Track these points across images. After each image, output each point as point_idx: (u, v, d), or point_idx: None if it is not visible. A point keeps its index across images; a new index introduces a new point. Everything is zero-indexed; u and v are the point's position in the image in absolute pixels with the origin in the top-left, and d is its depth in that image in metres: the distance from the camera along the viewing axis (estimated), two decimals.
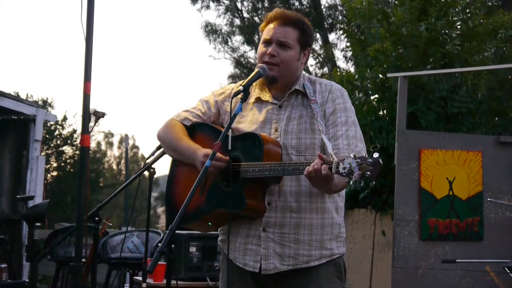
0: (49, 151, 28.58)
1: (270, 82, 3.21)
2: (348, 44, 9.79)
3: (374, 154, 2.64)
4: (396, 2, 8.84)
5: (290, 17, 3.25)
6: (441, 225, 6.05)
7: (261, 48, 3.25)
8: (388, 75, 7.37)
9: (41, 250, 4.96)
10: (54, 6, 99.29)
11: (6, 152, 10.03)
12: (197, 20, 36.49)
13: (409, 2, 7.99)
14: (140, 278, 5.75)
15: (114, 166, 49.39)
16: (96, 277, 4.84)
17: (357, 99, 8.15)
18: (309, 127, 3.13)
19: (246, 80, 3.09)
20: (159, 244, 2.66)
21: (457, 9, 8.05)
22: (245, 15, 23.42)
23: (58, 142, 29.52)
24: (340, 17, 21.36)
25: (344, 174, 2.66)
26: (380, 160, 2.64)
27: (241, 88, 3.03)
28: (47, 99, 29.87)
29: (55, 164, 29.55)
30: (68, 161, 29.83)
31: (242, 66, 23.55)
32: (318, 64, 22.01)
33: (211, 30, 23.26)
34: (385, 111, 8.06)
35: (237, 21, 23.39)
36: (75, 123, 29.77)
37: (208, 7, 23.20)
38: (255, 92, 3.29)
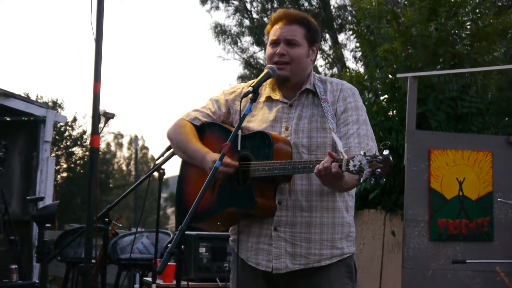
0: (59, 152, 28.68)
1: (282, 82, 3.22)
2: (358, 44, 9.76)
3: (384, 152, 2.64)
4: (406, 2, 8.81)
5: (294, 16, 3.27)
6: (451, 226, 6.03)
7: (269, 49, 3.25)
8: (398, 75, 7.35)
9: (51, 251, 4.97)
10: (64, 8, 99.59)
11: (16, 153, 10.06)
12: (206, 21, 36.65)
13: (419, 2, 7.97)
14: (150, 279, 5.75)
15: (124, 167, 49.46)
16: (106, 278, 4.86)
17: (367, 100, 8.13)
18: (320, 126, 3.13)
19: (255, 81, 3.10)
20: (169, 245, 2.65)
21: (466, 9, 8.02)
22: (255, 15, 23.41)
23: (68, 143, 29.61)
24: (349, 18, 21.31)
25: (354, 171, 2.65)
26: (390, 158, 2.63)
27: (250, 89, 3.03)
28: (57, 100, 29.99)
29: (65, 165, 29.64)
30: (78, 162, 29.91)
31: (251, 66, 23.54)
32: (328, 64, 22.00)
33: (220, 31, 23.27)
34: (394, 111, 8.04)
35: (247, 22, 23.39)
36: (85, 124, 29.87)
37: (217, 8, 23.21)
38: (265, 91, 3.30)
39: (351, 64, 21.44)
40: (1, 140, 6.51)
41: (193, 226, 3.48)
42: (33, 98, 25.68)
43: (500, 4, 10.37)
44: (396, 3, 12.92)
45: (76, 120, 29.74)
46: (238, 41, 23.49)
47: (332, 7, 22.40)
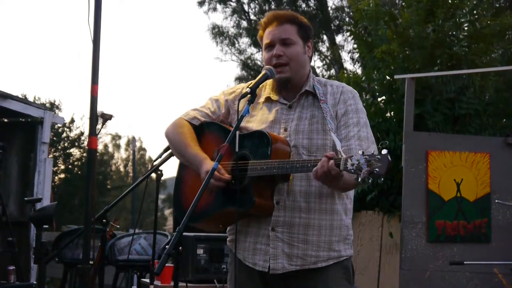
0: (57, 154, 28.68)
1: (283, 84, 3.22)
2: (355, 45, 9.78)
3: (382, 151, 2.64)
4: (403, 3, 8.83)
5: (284, 15, 3.28)
6: (449, 227, 6.04)
7: (265, 54, 3.25)
8: (395, 76, 7.36)
9: (48, 252, 4.96)
10: (62, 9, 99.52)
11: (14, 154, 10.04)
12: (204, 22, 36.59)
13: (416, 4, 7.98)
14: (147, 280, 5.75)
15: (122, 168, 49.45)
16: (103, 279, 4.85)
17: (364, 101, 8.13)
18: (321, 128, 3.13)
19: (253, 82, 3.10)
20: (166, 246, 2.65)
21: (464, 11, 8.03)
22: (252, 17, 23.41)
23: (66, 144, 29.61)
24: (347, 19, 21.33)
25: (352, 170, 2.65)
26: (389, 157, 2.63)
27: (248, 90, 3.03)
28: (55, 101, 30.05)
29: (62, 167, 29.64)
30: (75, 163, 29.92)
31: (249, 68, 23.54)
32: (325, 66, 22.02)
33: (218, 32, 23.27)
34: (392, 112, 8.05)
35: (244, 23, 23.39)
36: (82, 125, 29.89)
37: (215, 9, 23.22)
38: (265, 91, 3.30)
39: (348, 65, 21.41)
40: None
41: (192, 227, 3.48)
42: (31, 99, 25.71)
43: (497, 5, 10.36)
44: (394, 5, 12.96)
45: (74, 121, 29.78)
46: (236, 42, 23.51)
47: (329, 8, 22.41)
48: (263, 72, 3.14)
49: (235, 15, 23.24)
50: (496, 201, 5.97)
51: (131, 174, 45.04)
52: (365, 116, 3.21)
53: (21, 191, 9.97)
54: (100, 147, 39.79)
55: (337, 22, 22.17)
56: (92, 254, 4.29)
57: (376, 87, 8.30)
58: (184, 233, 2.47)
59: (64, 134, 29.47)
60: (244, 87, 3.31)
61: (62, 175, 29.84)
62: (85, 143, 28.05)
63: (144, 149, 52.08)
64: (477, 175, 6.11)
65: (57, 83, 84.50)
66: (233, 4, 23.26)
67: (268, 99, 3.28)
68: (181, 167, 3.39)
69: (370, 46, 8.38)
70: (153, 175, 5.02)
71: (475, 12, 8.16)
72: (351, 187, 3.05)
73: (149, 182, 4.96)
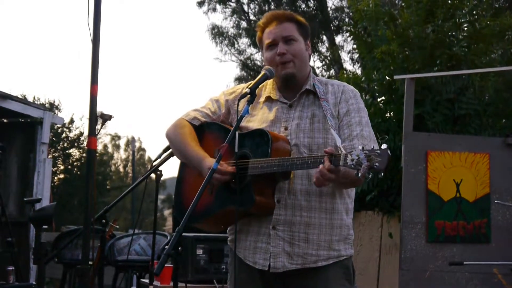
0: (56, 154, 28.62)
1: (288, 80, 3.22)
2: (355, 46, 9.79)
3: (382, 146, 2.64)
4: (403, 4, 8.83)
5: (282, 15, 3.29)
6: (449, 227, 6.03)
7: (267, 53, 3.24)
8: (395, 77, 7.36)
9: (48, 252, 4.95)
10: (62, 9, 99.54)
11: (13, 154, 10.04)
12: (203, 23, 36.59)
13: (416, 4, 7.98)
14: (147, 281, 5.75)
15: (121, 169, 49.40)
16: (103, 279, 4.85)
17: (364, 101, 8.09)
18: (322, 127, 3.13)
19: (253, 82, 3.10)
20: (166, 247, 2.64)
21: (464, 11, 8.03)
22: (252, 17, 23.37)
23: (65, 144, 29.55)
24: (346, 19, 21.29)
25: (352, 166, 2.65)
26: (389, 151, 2.63)
27: (247, 90, 3.03)
28: (54, 102, 29.93)
29: (62, 167, 29.58)
30: (75, 163, 29.86)
31: (248, 68, 23.51)
32: (325, 66, 21.98)
33: (217, 33, 23.24)
34: (392, 113, 8.05)
35: (244, 24, 23.35)
36: (82, 125, 29.80)
37: (214, 9, 23.18)
38: (266, 91, 3.30)
39: (348, 65, 21.38)
40: None
41: (192, 227, 3.47)
42: (30, 99, 25.64)
43: (497, 5, 10.37)
44: (393, 5, 12.95)
45: (73, 121, 29.70)
46: (235, 43, 23.47)
47: (329, 8, 22.38)
48: (262, 72, 3.14)
49: (235, 16, 23.21)
50: (496, 201, 5.97)
51: (130, 175, 45.01)
52: (367, 115, 3.22)
53: (20, 192, 9.96)
54: (99, 147, 39.72)
55: (337, 23, 22.14)
56: (91, 255, 4.29)
57: (375, 87, 8.30)
58: (184, 234, 2.47)
59: (64, 135, 29.41)
60: (244, 87, 3.31)
61: (62, 176, 29.78)
62: (85, 143, 28.01)
63: (144, 150, 52.08)
64: (477, 175, 6.11)
65: (57, 83, 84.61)
66: (233, 5, 23.24)
67: (268, 99, 3.28)
68: (182, 167, 3.38)
69: (369, 46, 8.39)
70: (153, 175, 5.02)
71: (474, 12, 8.16)
72: (353, 183, 3.04)
73: (148, 183, 4.96)
